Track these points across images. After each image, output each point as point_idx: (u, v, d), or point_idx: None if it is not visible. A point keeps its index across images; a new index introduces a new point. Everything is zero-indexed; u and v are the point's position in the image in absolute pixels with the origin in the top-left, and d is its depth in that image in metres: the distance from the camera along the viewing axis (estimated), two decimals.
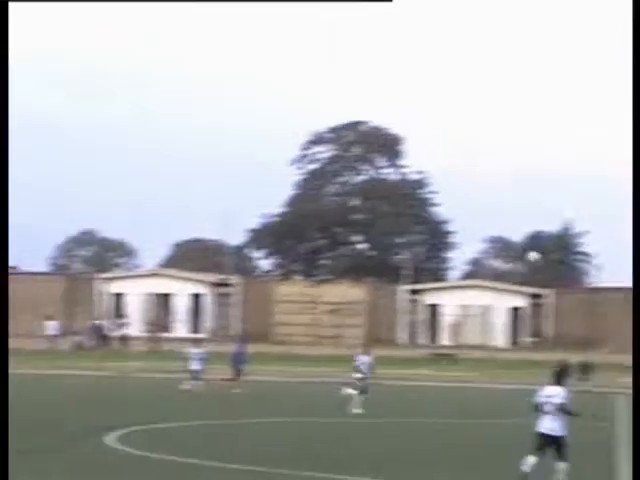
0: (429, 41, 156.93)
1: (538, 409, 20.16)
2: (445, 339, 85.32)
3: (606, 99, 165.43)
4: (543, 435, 19.93)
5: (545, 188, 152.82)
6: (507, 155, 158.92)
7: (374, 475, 22.55)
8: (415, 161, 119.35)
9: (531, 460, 19.61)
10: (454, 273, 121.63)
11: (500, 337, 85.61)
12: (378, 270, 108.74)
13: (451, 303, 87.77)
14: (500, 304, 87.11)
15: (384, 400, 40.75)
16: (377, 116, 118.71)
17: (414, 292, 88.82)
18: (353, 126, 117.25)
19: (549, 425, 19.89)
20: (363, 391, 37.00)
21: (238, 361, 41.25)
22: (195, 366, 40.65)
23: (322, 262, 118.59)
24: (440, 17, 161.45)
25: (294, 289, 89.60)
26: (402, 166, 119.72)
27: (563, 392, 20.01)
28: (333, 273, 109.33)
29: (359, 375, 37.85)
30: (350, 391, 37.22)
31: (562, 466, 19.50)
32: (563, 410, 19.87)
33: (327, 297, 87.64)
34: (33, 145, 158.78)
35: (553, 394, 20.03)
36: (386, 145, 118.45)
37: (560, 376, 20.45)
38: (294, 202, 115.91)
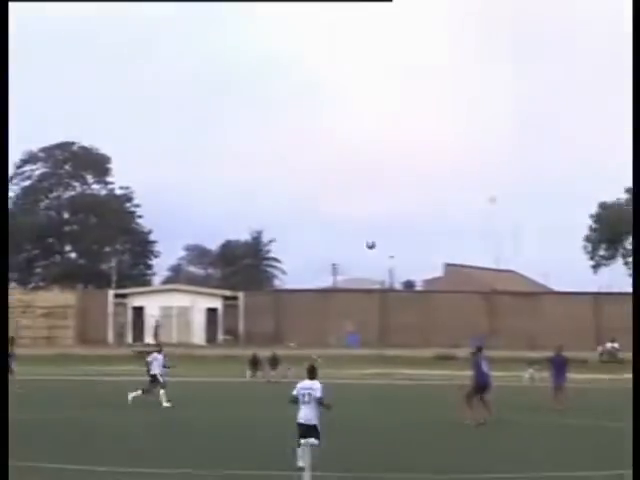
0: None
1: (296, 401, 20.65)
2: (149, 338, 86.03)
3: None
4: (303, 425, 20.40)
5: (236, 199, 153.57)
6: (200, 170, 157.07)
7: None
8: (121, 178, 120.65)
9: (301, 451, 19.53)
10: (157, 278, 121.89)
11: (198, 335, 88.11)
12: (88, 277, 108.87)
13: (154, 305, 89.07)
14: (198, 305, 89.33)
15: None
16: (85, 137, 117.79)
17: (121, 296, 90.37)
18: (64, 146, 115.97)
19: (308, 415, 20.47)
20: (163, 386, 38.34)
21: None
22: None
23: (36, 270, 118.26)
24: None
25: (10, 296, 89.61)
26: (108, 182, 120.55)
27: (319, 385, 20.79)
28: (46, 280, 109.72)
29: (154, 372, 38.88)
30: (136, 393, 38.20)
31: (312, 440, 19.53)
32: (320, 402, 20.48)
33: (40, 302, 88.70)
34: None
35: (312, 387, 20.66)
36: (94, 163, 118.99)
37: (313, 372, 21.26)
38: (10, 215, 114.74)
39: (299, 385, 20.93)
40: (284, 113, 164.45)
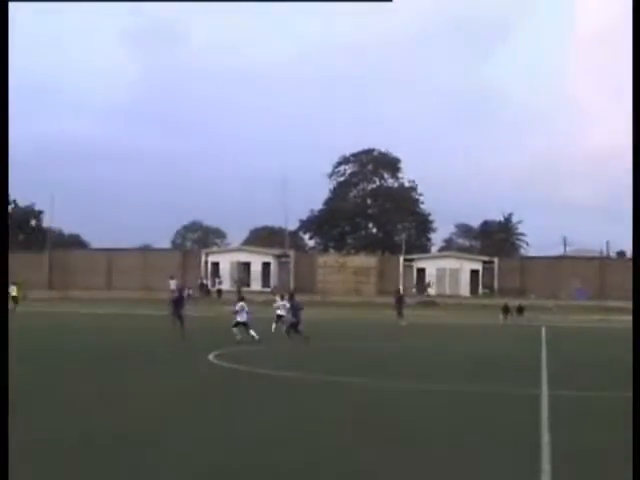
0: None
1: None
2: (428, 292, 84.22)
3: None
4: None
5: (492, 188, 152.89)
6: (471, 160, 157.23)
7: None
8: (408, 174, 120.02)
9: None
10: (434, 247, 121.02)
11: (464, 289, 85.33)
12: (384, 246, 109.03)
13: (433, 267, 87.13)
14: (464, 267, 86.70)
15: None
16: (382, 144, 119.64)
17: (408, 260, 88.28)
18: (367, 152, 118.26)
19: None
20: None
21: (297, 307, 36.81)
22: (281, 312, 37.80)
23: (348, 241, 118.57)
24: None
25: (329, 259, 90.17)
26: (399, 177, 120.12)
27: None
28: (355, 248, 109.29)
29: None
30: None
31: None
32: None
33: (350, 263, 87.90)
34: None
35: None
36: (389, 163, 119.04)
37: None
38: (329, 202, 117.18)
39: None
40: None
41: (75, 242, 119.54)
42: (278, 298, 40.03)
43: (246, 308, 33.91)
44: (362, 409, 17.23)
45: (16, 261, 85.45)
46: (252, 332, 32.91)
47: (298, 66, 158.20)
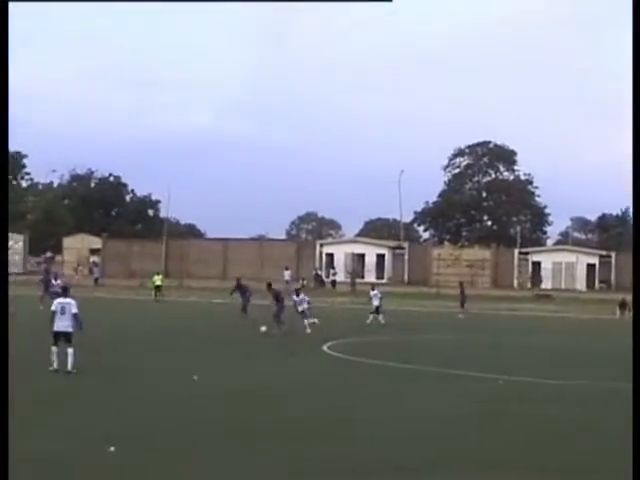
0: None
1: None
2: (545, 285, 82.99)
3: None
4: None
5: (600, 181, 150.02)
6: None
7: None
8: (524, 166, 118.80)
9: None
10: (549, 241, 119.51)
11: (580, 283, 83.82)
12: (499, 239, 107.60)
13: (549, 260, 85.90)
14: (580, 261, 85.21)
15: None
16: (497, 136, 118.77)
17: (523, 254, 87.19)
18: (483, 144, 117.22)
19: None
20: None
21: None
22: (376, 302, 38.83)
23: (463, 233, 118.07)
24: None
25: (444, 251, 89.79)
26: (515, 170, 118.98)
27: None
28: (469, 241, 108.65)
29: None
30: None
31: None
32: None
33: (465, 256, 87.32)
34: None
35: None
36: (504, 156, 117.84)
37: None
38: (444, 194, 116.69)
39: None
40: None
41: (191, 232, 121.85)
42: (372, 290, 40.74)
43: (307, 298, 35.03)
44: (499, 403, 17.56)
45: (134, 250, 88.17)
46: (308, 321, 33.97)
47: (413, 61, 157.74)
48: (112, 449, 12.26)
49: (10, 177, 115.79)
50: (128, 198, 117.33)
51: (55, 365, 20.30)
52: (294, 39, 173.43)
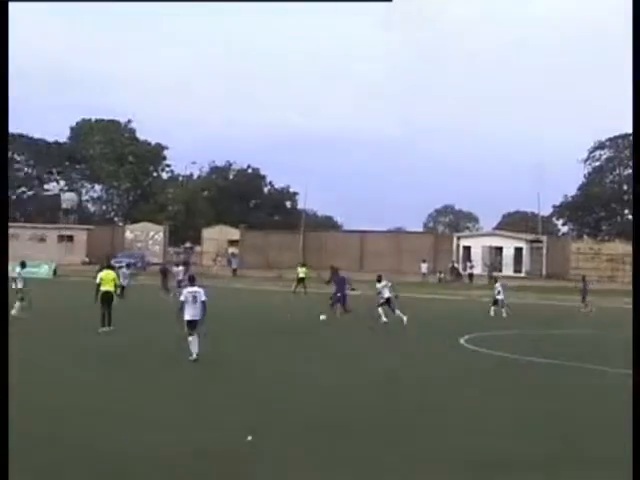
0: None
1: None
2: None
3: None
4: None
5: None
6: None
7: None
8: None
9: None
10: None
11: None
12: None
13: None
14: None
15: None
16: None
17: None
18: (624, 136, 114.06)
19: None
20: None
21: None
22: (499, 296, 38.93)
23: (602, 227, 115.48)
24: None
25: (584, 245, 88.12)
26: None
27: None
28: (610, 235, 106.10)
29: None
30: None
31: None
32: None
33: (605, 250, 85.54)
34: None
35: None
36: None
37: None
38: (584, 187, 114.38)
39: None
40: None
41: (329, 224, 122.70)
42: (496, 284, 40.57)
43: (389, 284, 34.16)
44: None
45: (271, 241, 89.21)
46: (398, 312, 33.09)
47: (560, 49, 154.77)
48: (249, 438, 12.33)
49: (151, 169, 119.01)
50: (266, 190, 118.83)
51: (195, 355, 20.56)
52: (438, 29, 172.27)
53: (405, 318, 32.45)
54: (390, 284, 34.68)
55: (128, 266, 40.30)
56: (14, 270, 32.44)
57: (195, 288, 21.32)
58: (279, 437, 12.82)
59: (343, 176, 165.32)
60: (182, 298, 21.36)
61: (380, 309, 33.34)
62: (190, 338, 20.80)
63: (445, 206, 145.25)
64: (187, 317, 20.94)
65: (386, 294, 33.90)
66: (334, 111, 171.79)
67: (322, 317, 33.28)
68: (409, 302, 45.66)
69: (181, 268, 46.59)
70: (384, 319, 32.64)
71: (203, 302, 21.00)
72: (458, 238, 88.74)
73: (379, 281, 34.30)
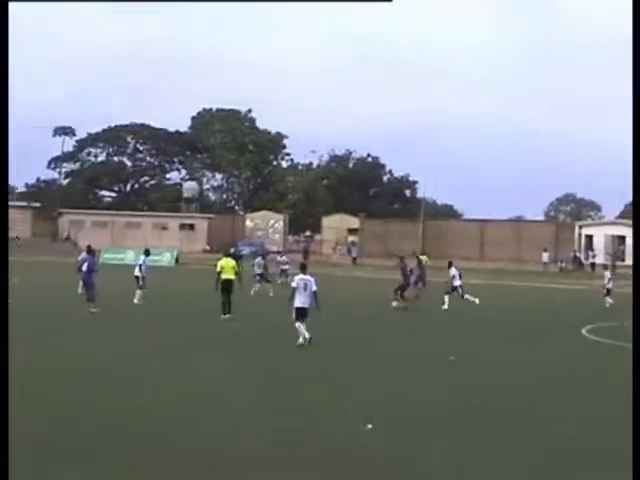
0: None
1: None
2: None
3: None
4: None
5: None
6: None
7: None
8: None
9: None
10: None
11: None
12: None
13: None
14: None
15: None
16: None
17: None
18: None
19: None
20: None
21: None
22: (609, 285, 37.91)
23: None
24: None
25: None
26: None
27: None
28: None
29: None
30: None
31: None
32: None
33: None
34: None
35: None
36: None
37: None
38: None
39: None
40: None
41: (449, 212, 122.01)
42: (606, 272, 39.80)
43: (458, 272, 34.41)
44: None
45: (391, 230, 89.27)
46: (467, 296, 33.59)
47: None
48: (369, 426, 12.48)
49: (271, 157, 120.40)
50: (385, 179, 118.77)
51: (301, 340, 20.97)
52: (564, 17, 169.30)
53: (477, 300, 33.25)
54: (459, 272, 35.06)
55: (263, 257, 40.26)
56: (138, 258, 33.51)
57: (307, 277, 21.72)
58: (396, 426, 13.04)
59: (463, 165, 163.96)
60: (294, 284, 21.72)
61: (447, 296, 33.68)
62: (297, 324, 21.27)
63: (567, 194, 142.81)
64: (297, 304, 21.32)
65: (457, 282, 34.27)
66: (453, 99, 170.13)
67: (444, 307, 33.12)
68: (529, 291, 45.37)
69: (284, 258, 46.67)
70: (445, 307, 33.05)
71: (314, 292, 21.39)
72: (580, 227, 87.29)
73: (450, 267, 34.75)
